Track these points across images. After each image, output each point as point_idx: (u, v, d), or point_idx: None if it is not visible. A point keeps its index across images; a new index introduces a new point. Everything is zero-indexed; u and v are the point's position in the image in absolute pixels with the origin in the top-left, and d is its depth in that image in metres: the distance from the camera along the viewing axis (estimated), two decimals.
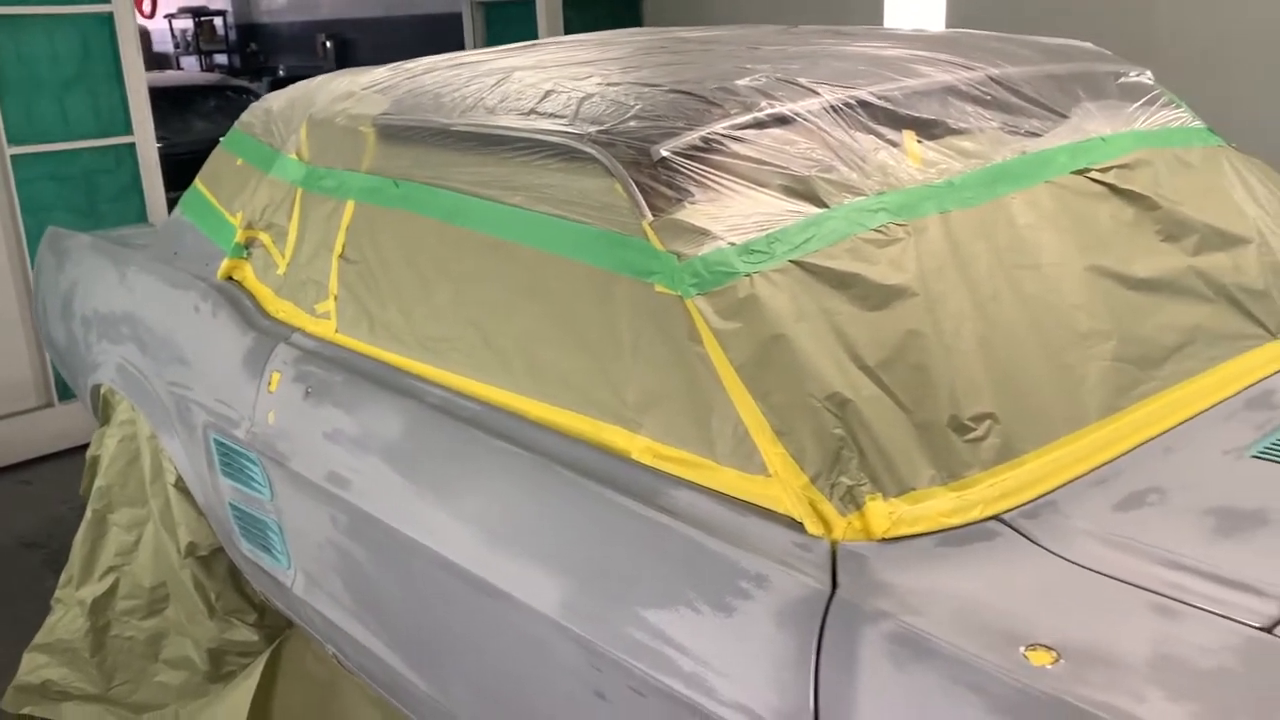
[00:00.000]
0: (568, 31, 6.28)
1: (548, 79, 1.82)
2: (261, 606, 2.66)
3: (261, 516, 2.18)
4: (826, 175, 1.52)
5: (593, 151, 1.54)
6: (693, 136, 1.52)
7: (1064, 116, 1.84)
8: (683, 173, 1.49)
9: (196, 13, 14.64)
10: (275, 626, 2.65)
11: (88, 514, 2.80)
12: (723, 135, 1.52)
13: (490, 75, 1.93)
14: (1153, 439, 1.39)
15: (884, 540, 1.22)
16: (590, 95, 1.68)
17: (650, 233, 1.45)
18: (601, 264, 1.52)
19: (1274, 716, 0.94)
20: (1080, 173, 1.73)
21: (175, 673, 2.79)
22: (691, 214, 1.45)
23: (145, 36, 14.92)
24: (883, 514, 1.23)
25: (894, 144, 1.62)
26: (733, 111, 1.57)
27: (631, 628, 1.34)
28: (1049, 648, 1.05)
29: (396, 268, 1.92)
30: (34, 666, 2.80)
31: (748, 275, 1.39)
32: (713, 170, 1.49)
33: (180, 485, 2.54)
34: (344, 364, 1.96)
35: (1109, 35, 3.94)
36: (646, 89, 1.66)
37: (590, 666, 1.40)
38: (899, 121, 1.66)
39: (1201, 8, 3.86)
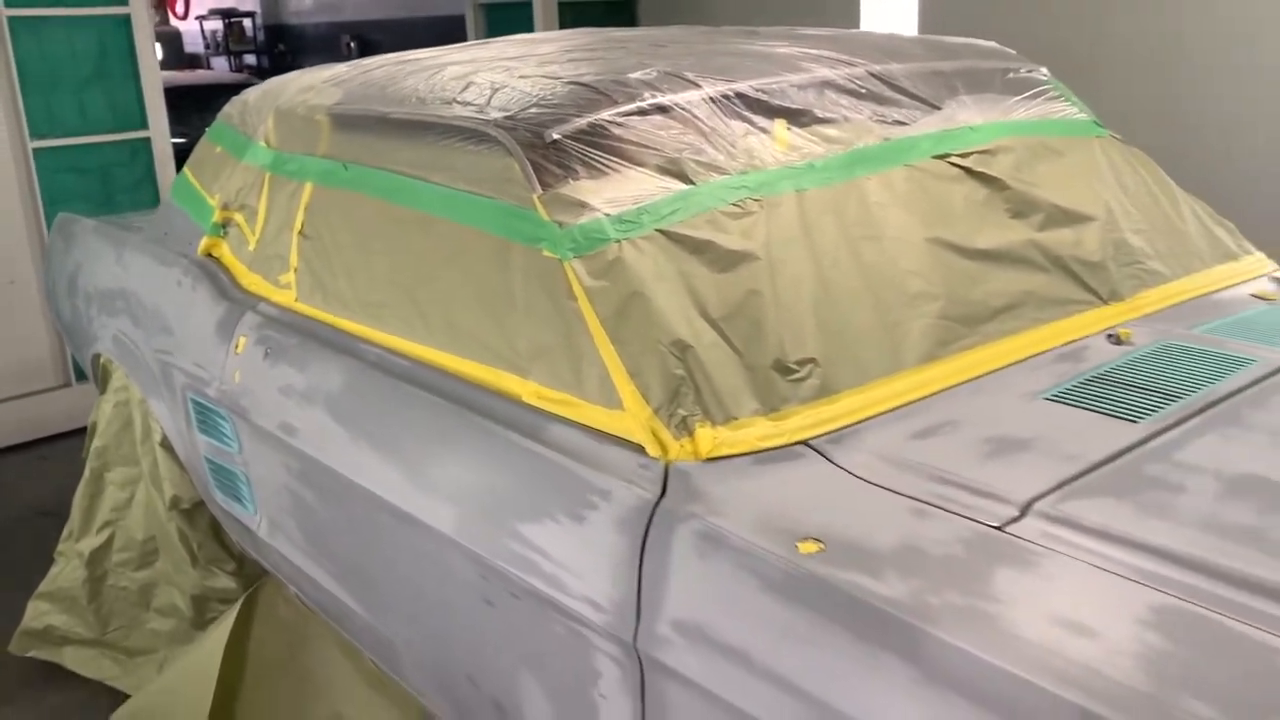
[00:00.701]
0: None
1: (475, 72, 2.04)
2: (239, 556, 2.91)
3: (231, 468, 2.42)
4: (696, 157, 1.74)
5: (496, 135, 1.77)
6: (581, 122, 1.75)
7: (937, 108, 2.05)
8: (571, 153, 1.71)
9: (226, 14, 15.01)
10: (252, 575, 2.89)
11: (86, 473, 3.06)
12: (607, 121, 1.75)
13: (427, 70, 2.16)
14: (962, 383, 1.61)
15: (708, 460, 1.44)
16: (503, 86, 1.91)
17: (539, 205, 1.67)
18: (501, 233, 1.75)
19: (974, 587, 1.15)
20: (941, 157, 1.94)
21: (165, 620, 3.04)
22: (575, 189, 1.68)
23: (177, 38, 15.33)
24: (708, 438, 1.45)
25: (765, 131, 1.84)
26: (619, 101, 1.79)
27: (509, 540, 1.57)
28: (818, 539, 1.27)
29: (345, 242, 2.16)
30: (38, 614, 3.06)
31: (617, 241, 1.61)
32: (597, 151, 1.72)
33: (165, 444, 2.79)
34: (298, 328, 2.20)
35: (1062, 38, 4.14)
36: (551, 81, 1.89)
37: (480, 577, 1.63)
38: (772, 111, 1.88)
39: (1150, 11, 4.05)
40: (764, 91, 1.89)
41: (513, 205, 1.72)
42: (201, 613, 2.97)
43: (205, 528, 2.90)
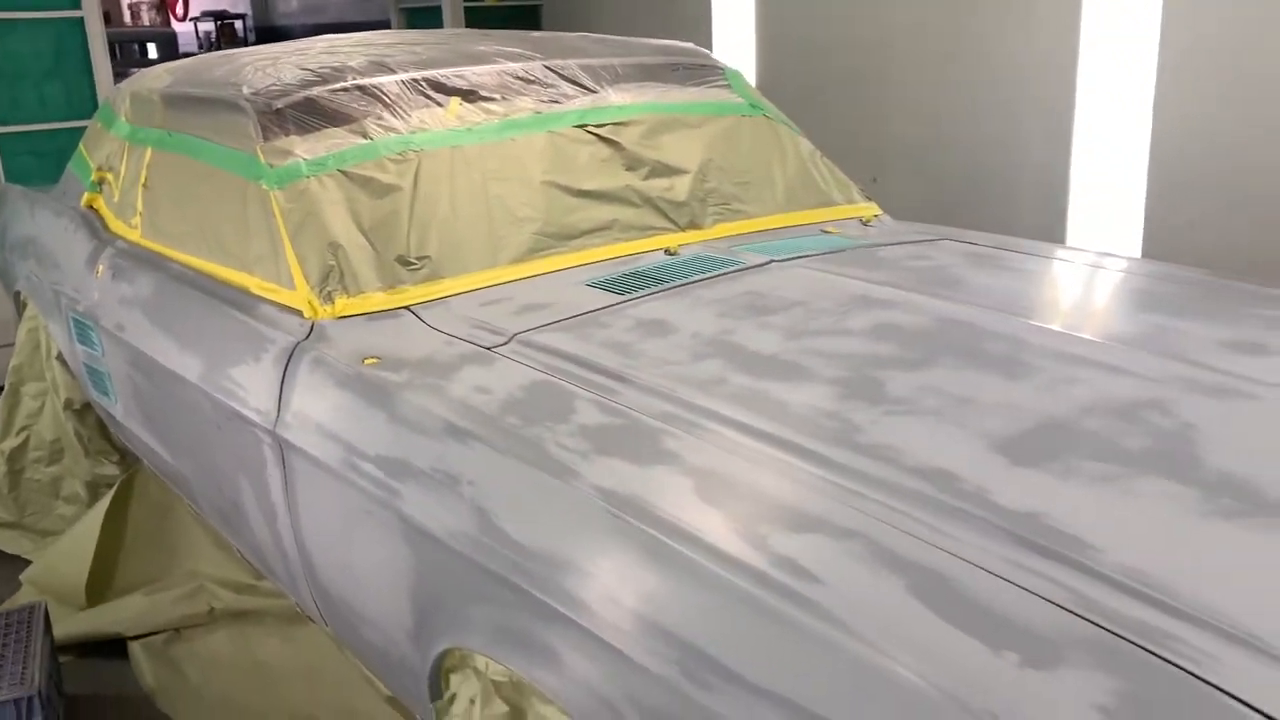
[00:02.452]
0: None
1: (253, 63, 2.77)
2: (122, 448, 3.66)
3: (99, 369, 3.16)
4: (379, 121, 2.47)
5: (242, 104, 2.50)
6: (299, 96, 2.48)
7: (593, 91, 2.77)
8: (289, 118, 2.45)
9: (219, 16, 15.84)
10: (131, 464, 3.64)
11: (5, 387, 3.81)
12: (317, 96, 2.48)
13: (231, 61, 2.89)
14: (537, 276, 2.33)
15: (339, 318, 2.17)
16: (261, 71, 2.63)
17: (260, 153, 2.40)
18: (241, 174, 2.48)
19: (444, 374, 1.87)
20: (580, 127, 2.66)
21: (70, 506, 3.79)
22: (288, 143, 2.41)
23: (173, 39, 16.15)
24: (342, 304, 2.18)
25: (440, 105, 2.57)
26: (330, 82, 2.52)
27: (224, 380, 2.30)
28: (378, 357, 1.99)
29: (168, 189, 2.89)
30: None
31: (308, 178, 2.34)
32: (309, 116, 2.45)
33: (60, 357, 3.54)
34: (135, 255, 2.94)
35: (887, 38, 4.86)
36: (295, 69, 2.61)
37: (212, 409, 2.36)
38: (450, 91, 2.60)
39: (965, 11, 4.74)
40: (446, 76, 2.62)
41: (247, 154, 2.46)
42: (95, 497, 3.71)
43: (93, 425, 3.65)
